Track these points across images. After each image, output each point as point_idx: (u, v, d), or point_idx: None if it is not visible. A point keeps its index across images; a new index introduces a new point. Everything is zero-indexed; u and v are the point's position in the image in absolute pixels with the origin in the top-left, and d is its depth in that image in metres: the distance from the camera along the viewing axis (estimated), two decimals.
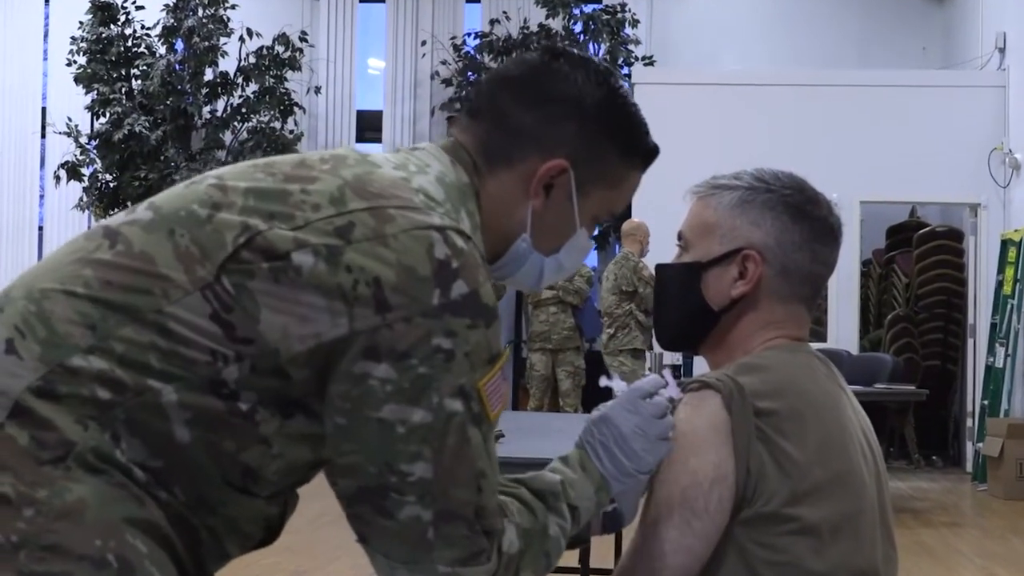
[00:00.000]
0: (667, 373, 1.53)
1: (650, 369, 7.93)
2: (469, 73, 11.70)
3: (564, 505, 1.38)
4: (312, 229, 1.22)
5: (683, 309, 1.62)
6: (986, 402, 8.52)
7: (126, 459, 1.19)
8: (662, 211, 7.86)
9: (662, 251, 1.66)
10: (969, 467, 8.90)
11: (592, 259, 14.80)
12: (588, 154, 1.40)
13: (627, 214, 8.67)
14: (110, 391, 1.19)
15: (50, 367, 1.19)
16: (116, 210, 11.32)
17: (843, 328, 8.98)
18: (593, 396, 7.17)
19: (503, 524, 1.29)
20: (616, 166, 1.43)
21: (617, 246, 11.89)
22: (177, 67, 10.98)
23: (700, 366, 6.94)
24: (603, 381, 1.55)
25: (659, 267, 1.66)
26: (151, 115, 10.93)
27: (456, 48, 11.64)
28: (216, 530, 1.26)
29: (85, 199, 11.15)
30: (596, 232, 14.58)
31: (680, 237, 1.65)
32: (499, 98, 1.40)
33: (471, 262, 1.24)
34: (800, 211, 1.58)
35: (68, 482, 1.16)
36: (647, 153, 1.45)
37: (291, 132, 11.52)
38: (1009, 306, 8.50)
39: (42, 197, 12.06)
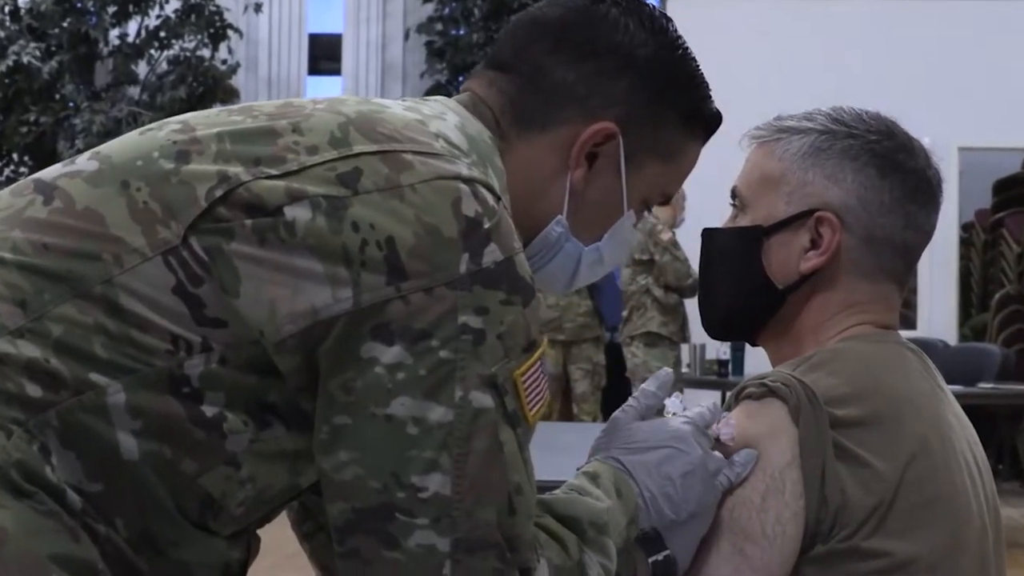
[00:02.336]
0: (727, 419, 1.53)
1: (688, 367, 7.94)
2: None
3: (609, 541, 1.38)
4: (308, 176, 1.22)
5: (737, 287, 1.62)
6: None
7: (57, 479, 1.19)
8: (707, 163, 7.87)
9: (708, 217, 1.67)
10: None
11: None
12: (641, 118, 1.43)
13: None
14: (42, 387, 1.19)
15: None
16: None
17: (937, 312, 9.00)
18: (615, 401, 7.15)
19: (537, 561, 1.29)
20: (673, 133, 1.46)
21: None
22: None
23: (754, 363, 6.96)
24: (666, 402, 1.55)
25: (707, 233, 1.66)
26: (43, 41, 10.90)
27: None
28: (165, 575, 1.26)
29: None
30: None
31: (734, 194, 1.65)
32: (532, 48, 1.42)
33: (505, 225, 1.25)
34: (890, 162, 1.58)
35: None
36: (709, 119, 1.49)
37: (224, 62, 11.51)
38: None
39: None
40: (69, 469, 1.20)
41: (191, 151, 1.26)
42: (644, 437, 1.46)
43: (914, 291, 9.00)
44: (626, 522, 1.42)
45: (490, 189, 1.26)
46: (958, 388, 6.66)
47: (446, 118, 1.34)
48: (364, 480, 1.21)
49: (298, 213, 1.20)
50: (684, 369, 7.91)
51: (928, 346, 7.58)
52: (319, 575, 1.63)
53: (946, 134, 8.53)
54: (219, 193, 1.22)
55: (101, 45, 11.04)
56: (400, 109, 1.32)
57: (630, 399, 1.52)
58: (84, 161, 1.29)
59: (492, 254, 1.22)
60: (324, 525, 1.55)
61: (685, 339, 8.09)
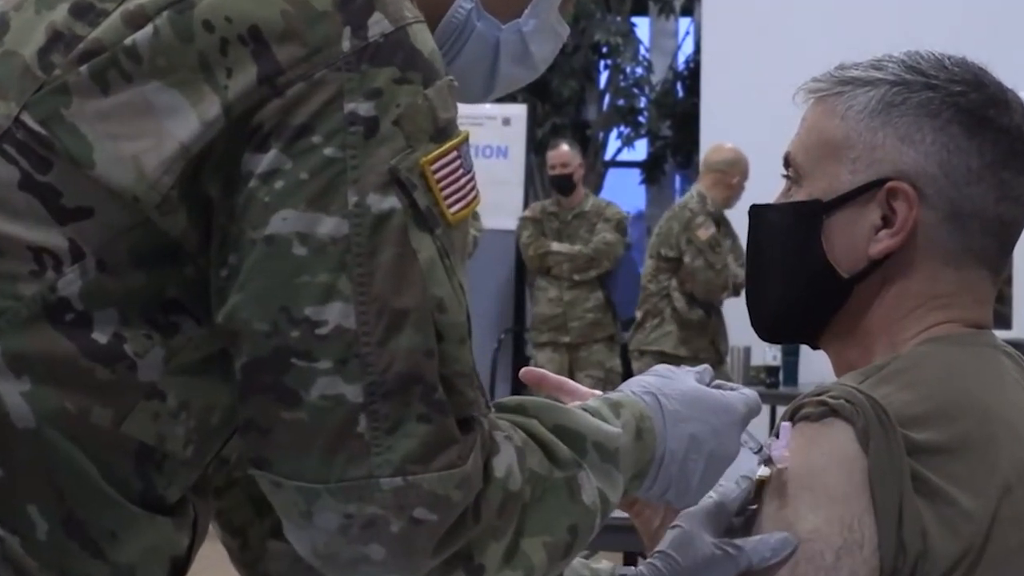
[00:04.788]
0: (785, 430, 1.52)
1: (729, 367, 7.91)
2: None
3: (618, 474, 1.37)
4: None
5: (793, 276, 1.62)
6: None
7: None
8: (755, 123, 7.84)
9: (757, 192, 1.65)
10: None
11: (638, 199, 14.82)
12: None
13: (692, 129, 8.62)
14: None
15: None
16: None
17: None
18: None
19: (491, 428, 1.27)
20: None
21: (677, 181, 11.87)
22: None
23: (811, 370, 6.95)
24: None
25: (755, 210, 1.65)
26: None
27: None
28: None
29: None
30: (646, 155, 14.41)
31: (788, 162, 1.64)
32: None
33: None
34: (979, 119, 1.57)
35: None
36: None
37: None
38: None
39: None
40: None
41: (7, 15, 1.27)
42: (697, 396, 1.46)
43: (1008, 281, 8.98)
44: (631, 475, 1.40)
45: None
46: None
47: None
48: (250, 324, 1.21)
49: (138, 37, 1.21)
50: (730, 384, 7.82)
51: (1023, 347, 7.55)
52: (227, 548, 1.63)
53: None
54: (55, 56, 1.22)
55: None
56: None
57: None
58: None
59: (379, 25, 1.23)
60: (238, 478, 1.55)
61: (720, 359, 7.87)
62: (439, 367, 1.22)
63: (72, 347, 1.21)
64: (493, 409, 1.32)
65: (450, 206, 1.25)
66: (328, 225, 1.20)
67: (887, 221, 1.57)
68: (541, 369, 1.57)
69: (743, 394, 1.50)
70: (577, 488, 1.32)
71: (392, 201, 1.21)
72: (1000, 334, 1.67)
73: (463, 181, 1.26)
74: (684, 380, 1.47)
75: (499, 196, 9.75)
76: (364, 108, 1.21)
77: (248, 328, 1.20)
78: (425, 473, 1.20)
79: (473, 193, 1.27)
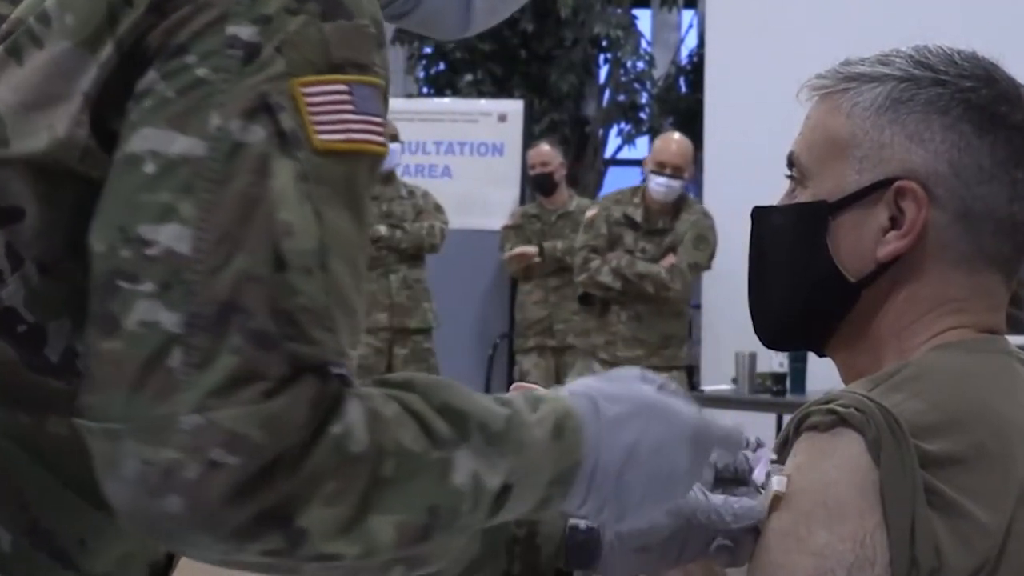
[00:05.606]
0: (765, 454, 1.53)
1: (734, 382, 7.89)
2: None
3: (502, 461, 1.28)
4: None
5: (797, 281, 1.62)
6: None
7: None
8: (757, 122, 7.84)
9: (760, 193, 1.65)
10: None
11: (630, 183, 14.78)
12: None
13: (696, 126, 8.61)
14: None
15: None
16: None
17: None
18: None
19: (345, 386, 1.20)
20: None
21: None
22: None
23: (820, 376, 6.93)
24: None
25: (758, 212, 1.66)
26: None
27: None
28: None
29: None
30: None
31: (791, 162, 1.64)
32: None
33: None
34: (990, 116, 1.57)
35: None
36: None
37: None
38: None
39: None
40: None
41: None
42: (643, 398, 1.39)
43: (1022, 284, 8.97)
44: (549, 478, 1.32)
45: None
46: None
47: None
48: (93, 247, 1.18)
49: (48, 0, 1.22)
50: (726, 385, 7.79)
51: None
52: None
53: None
54: None
55: None
56: None
57: None
58: None
59: None
60: None
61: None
62: (279, 299, 1.16)
63: (22, 361, 1.21)
64: (377, 384, 1.26)
65: (320, 133, 1.20)
66: (181, 144, 1.17)
67: (895, 222, 1.57)
68: (534, 385, 1.51)
69: (718, 424, 1.45)
70: (449, 468, 1.24)
71: (256, 130, 1.18)
72: (1014, 339, 1.66)
73: (351, 117, 1.22)
74: (631, 385, 1.40)
75: (494, 195, 9.74)
76: (247, 32, 1.19)
77: (92, 253, 1.18)
78: (224, 408, 1.12)
79: (365, 135, 1.22)
